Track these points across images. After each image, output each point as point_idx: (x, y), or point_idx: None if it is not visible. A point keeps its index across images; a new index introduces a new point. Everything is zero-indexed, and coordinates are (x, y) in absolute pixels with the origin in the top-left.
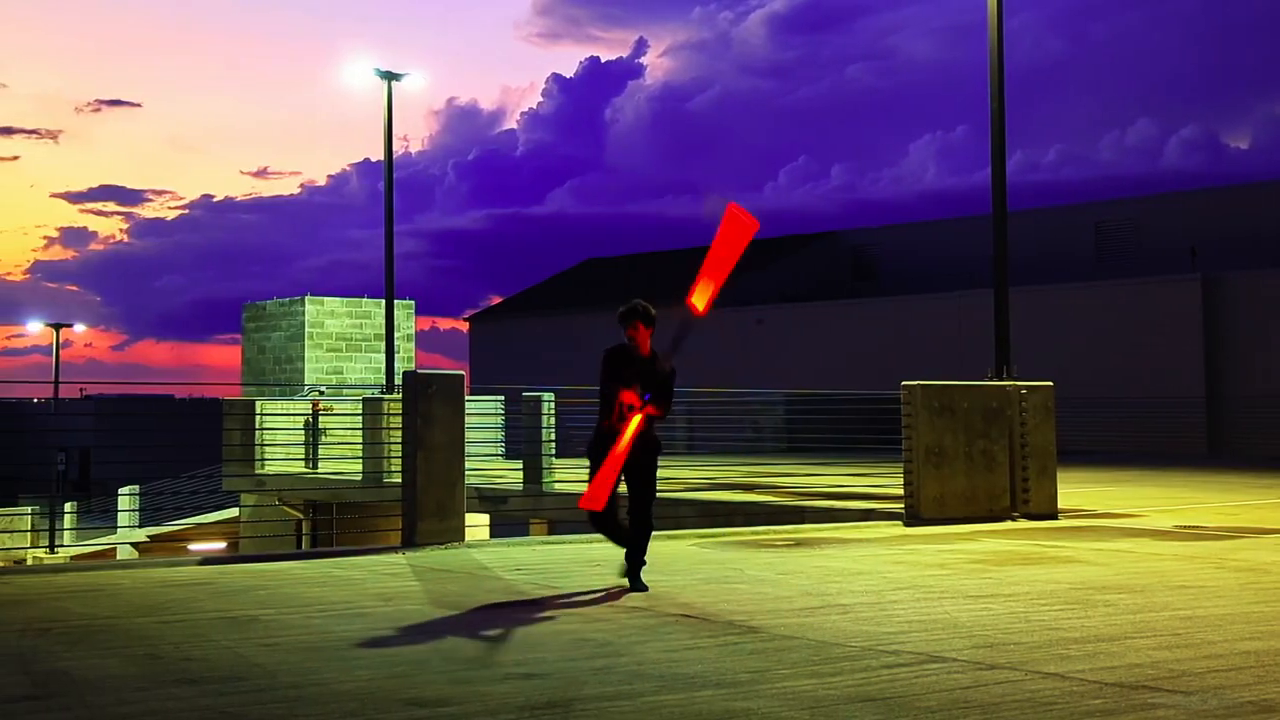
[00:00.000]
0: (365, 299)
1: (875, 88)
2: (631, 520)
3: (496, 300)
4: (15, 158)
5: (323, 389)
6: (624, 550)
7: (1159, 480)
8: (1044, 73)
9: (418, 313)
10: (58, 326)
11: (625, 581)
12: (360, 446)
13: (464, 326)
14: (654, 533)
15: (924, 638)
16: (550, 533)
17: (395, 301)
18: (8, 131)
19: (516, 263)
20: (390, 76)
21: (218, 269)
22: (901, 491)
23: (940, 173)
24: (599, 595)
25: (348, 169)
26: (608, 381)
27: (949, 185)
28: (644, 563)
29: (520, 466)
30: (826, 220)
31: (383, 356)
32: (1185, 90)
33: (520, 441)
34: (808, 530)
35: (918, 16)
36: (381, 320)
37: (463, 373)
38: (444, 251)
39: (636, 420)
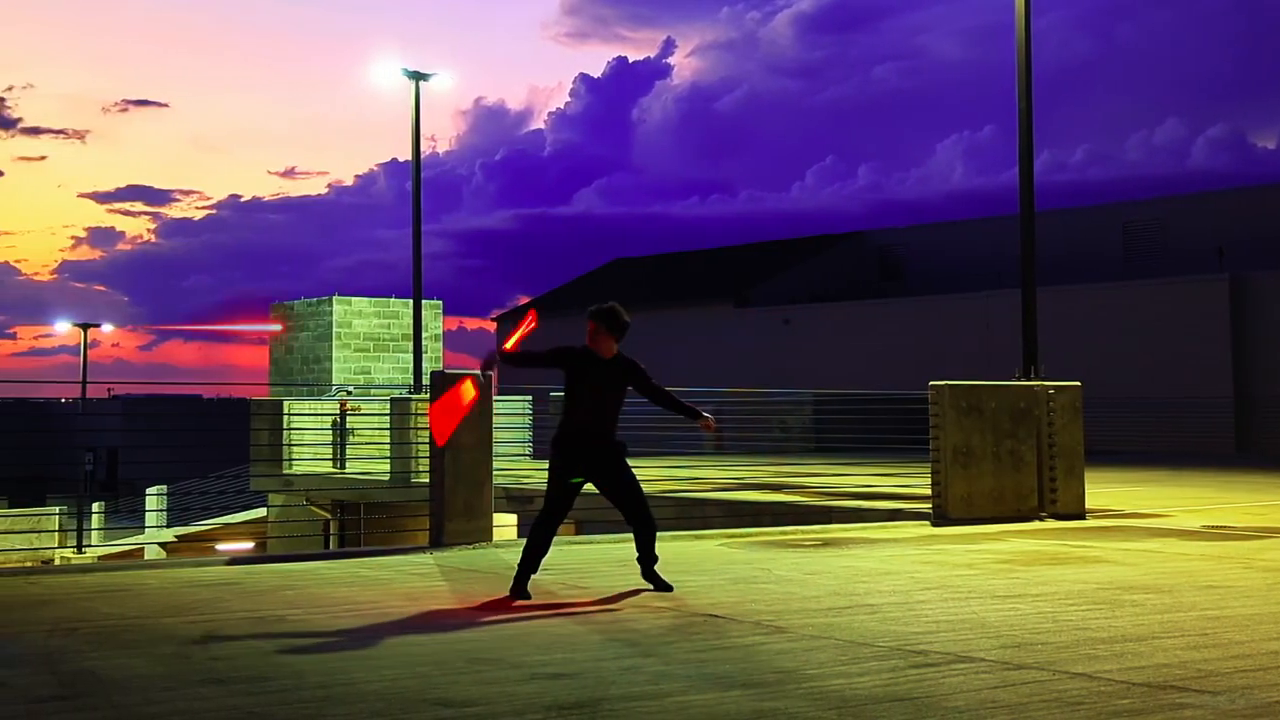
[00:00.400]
0: (393, 299)
1: (902, 88)
2: (632, 523)
3: (523, 300)
4: (43, 158)
5: (350, 389)
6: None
7: (1186, 480)
8: (1071, 72)
9: (445, 313)
10: (85, 326)
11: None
12: (388, 446)
13: (491, 326)
14: (682, 533)
15: (952, 637)
16: (577, 533)
17: (423, 301)
18: (35, 131)
19: (543, 263)
20: (418, 76)
21: (245, 269)
22: (929, 491)
23: (967, 172)
24: (626, 595)
25: (375, 169)
26: (547, 351)
27: (976, 185)
28: (655, 558)
29: (547, 466)
30: (853, 220)
31: (410, 356)
32: (1213, 90)
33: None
34: (835, 530)
35: (945, 16)
36: (409, 320)
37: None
38: (471, 251)
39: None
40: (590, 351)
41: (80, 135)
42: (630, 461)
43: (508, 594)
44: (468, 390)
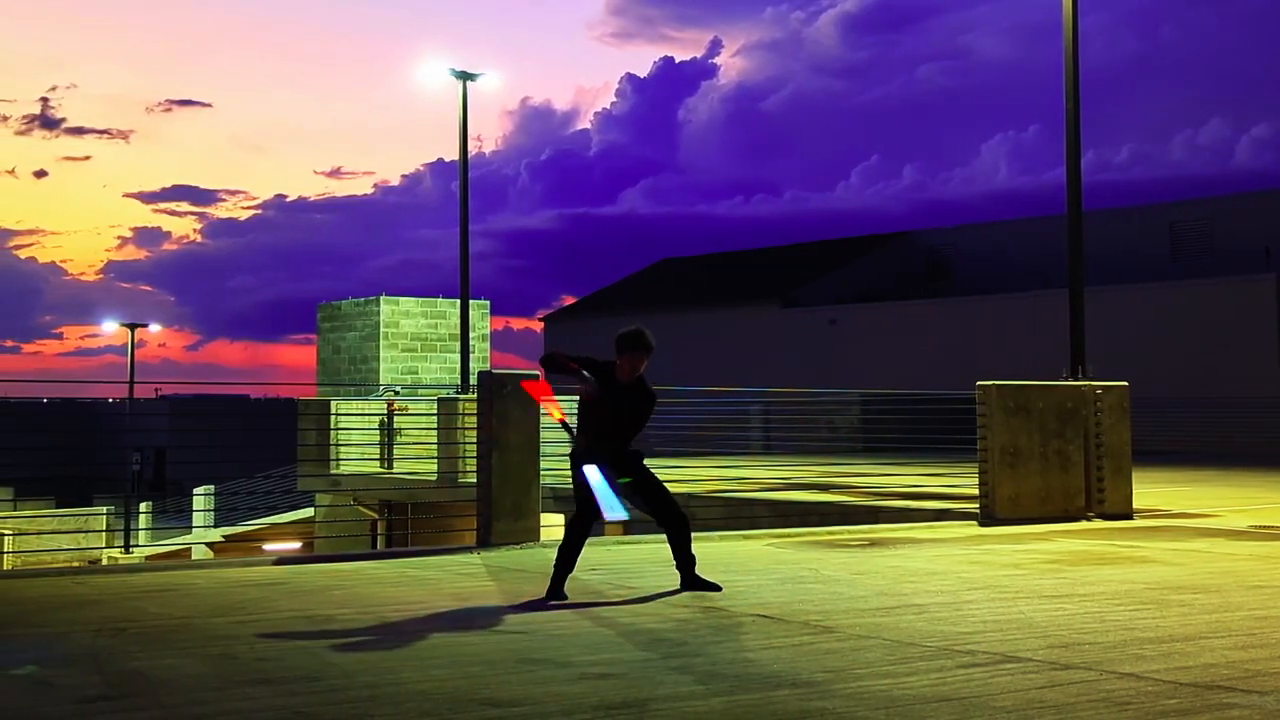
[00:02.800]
0: (440, 299)
1: (947, 87)
2: (664, 524)
3: (569, 300)
4: (87, 158)
5: (398, 389)
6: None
7: (1234, 480)
8: (1116, 72)
9: (491, 313)
10: (133, 326)
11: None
12: (435, 446)
13: (537, 326)
14: (730, 533)
15: (999, 638)
16: (625, 533)
17: (470, 301)
18: (79, 131)
19: (588, 263)
20: (465, 76)
21: (290, 269)
22: (976, 491)
23: (1011, 172)
24: (674, 594)
25: (421, 169)
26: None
27: (1020, 185)
28: (693, 559)
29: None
30: (897, 220)
31: (458, 356)
32: (1257, 90)
33: None
34: (882, 530)
35: (990, 16)
36: (456, 320)
37: (538, 373)
38: (515, 252)
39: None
40: (612, 371)
41: (124, 135)
42: (679, 461)
43: (545, 596)
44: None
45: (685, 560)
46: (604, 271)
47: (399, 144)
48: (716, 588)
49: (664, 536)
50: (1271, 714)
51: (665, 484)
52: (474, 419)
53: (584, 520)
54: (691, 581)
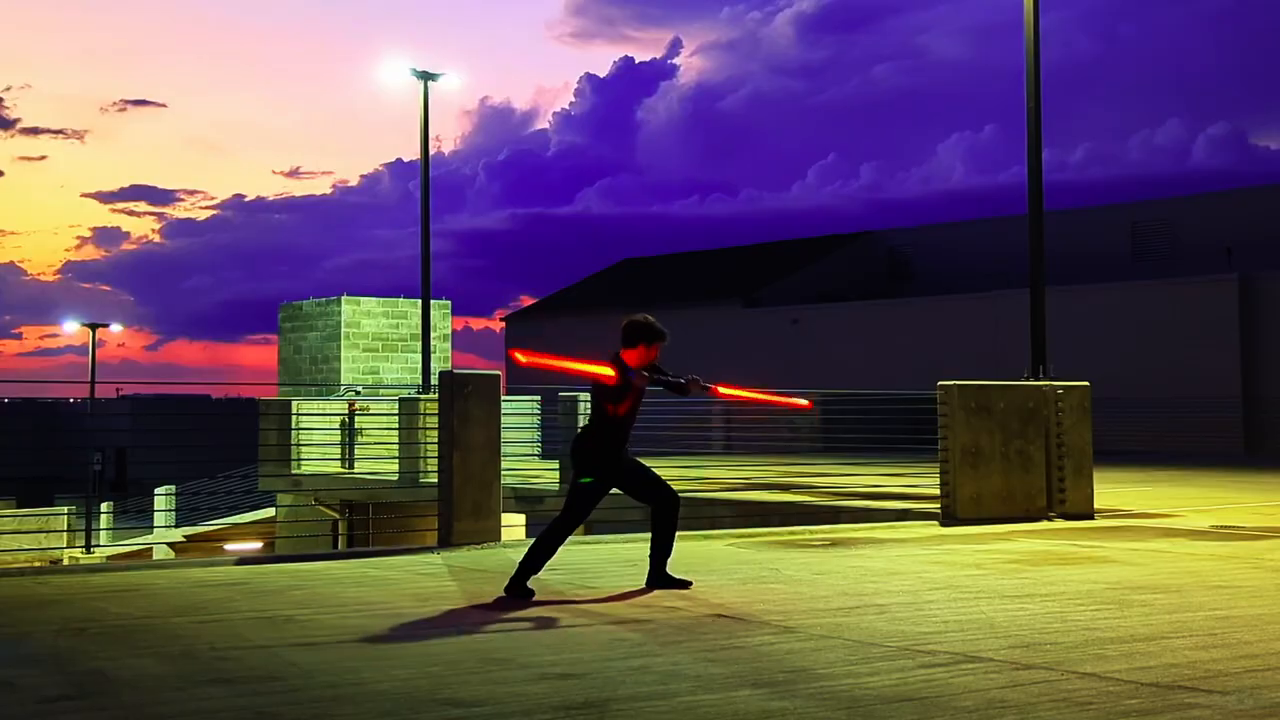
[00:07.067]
0: (401, 299)
1: (903, 87)
2: (659, 515)
3: (526, 300)
4: (43, 157)
5: (359, 389)
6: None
7: (1195, 480)
8: (1072, 71)
9: (452, 313)
10: (94, 326)
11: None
12: (396, 447)
13: (497, 326)
14: (690, 533)
15: (960, 638)
16: (586, 533)
17: (431, 301)
18: (34, 131)
19: (545, 263)
20: (427, 76)
21: (249, 269)
22: (938, 491)
23: (967, 172)
24: (635, 595)
25: (380, 169)
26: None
27: (976, 184)
28: (669, 551)
29: (556, 466)
30: (854, 219)
31: (419, 356)
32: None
33: (556, 441)
34: (844, 530)
35: (946, 16)
36: (418, 320)
37: (499, 373)
38: (472, 251)
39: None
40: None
41: (79, 135)
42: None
43: (503, 591)
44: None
45: (660, 551)
46: (560, 272)
47: (357, 144)
48: (686, 584)
49: (625, 537)
50: (1233, 714)
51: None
52: (435, 419)
53: (568, 525)
54: (659, 578)
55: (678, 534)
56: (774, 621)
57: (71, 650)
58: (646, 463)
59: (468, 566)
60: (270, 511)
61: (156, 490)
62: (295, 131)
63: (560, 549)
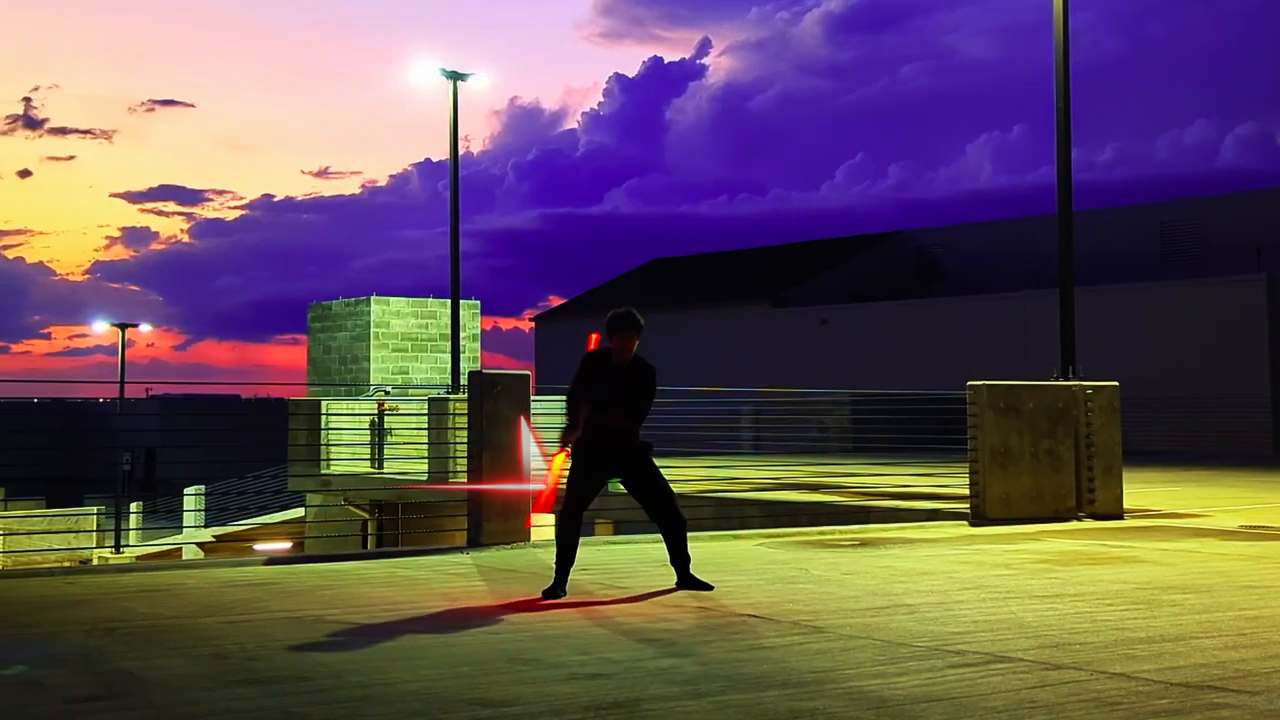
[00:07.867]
0: (431, 299)
1: (932, 87)
2: (659, 522)
3: (554, 300)
4: (71, 158)
5: (388, 389)
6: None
7: (1224, 480)
8: (1101, 71)
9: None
10: (124, 326)
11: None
12: (426, 446)
13: (526, 326)
14: (720, 533)
15: (990, 638)
16: (615, 533)
17: (461, 301)
18: (62, 131)
19: (573, 263)
20: (456, 76)
21: (277, 269)
22: (967, 491)
23: (996, 171)
24: (664, 594)
25: (409, 169)
26: (574, 389)
27: (1004, 184)
28: (689, 558)
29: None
30: (882, 219)
31: (448, 356)
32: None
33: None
34: (873, 530)
35: (974, 16)
36: (447, 320)
37: (528, 373)
38: (501, 251)
39: (560, 460)
40: (607, 358)
41: (107, 135)
42: (669, 461)
43: (543, 594)
44: (558, 463)
45: (681, 559)
46: (588, 272)
47: (386, 144)
48: (709, 587)
49: (655, 537)
50: (1262, 714)
51: (669, 484)
52: (464, 419)
53: (576, 510)
54: (687, 580)
55: (709, 534)
56: (803, 622)
57: (101, 650)
58: (674, 464)
59: (497, 566)
60: (299, 511)
61: (186, 490)
62: (324, 131)
63: (591, 550)
